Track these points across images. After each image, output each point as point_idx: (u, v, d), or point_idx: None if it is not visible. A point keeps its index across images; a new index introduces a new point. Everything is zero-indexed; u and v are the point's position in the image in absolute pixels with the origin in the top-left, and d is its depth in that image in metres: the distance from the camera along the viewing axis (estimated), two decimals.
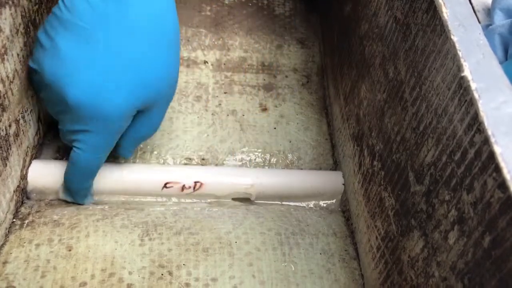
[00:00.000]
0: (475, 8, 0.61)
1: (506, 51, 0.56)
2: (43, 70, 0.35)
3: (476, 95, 0.24)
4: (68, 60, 0.34)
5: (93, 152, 0.38)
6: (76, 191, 0.40)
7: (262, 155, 0.47)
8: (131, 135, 0.39)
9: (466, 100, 0.25)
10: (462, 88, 0.25)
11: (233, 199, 0.44)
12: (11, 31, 0.35)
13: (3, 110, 0.35)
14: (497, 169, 0.22)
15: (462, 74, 0.25)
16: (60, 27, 0.34)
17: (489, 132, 0.22)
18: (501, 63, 0.51)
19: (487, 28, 0.57)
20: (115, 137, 0.38)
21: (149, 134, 0.40)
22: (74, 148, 0.38)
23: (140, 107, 0.37)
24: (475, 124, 0.24)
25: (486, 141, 0.23)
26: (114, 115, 0.36)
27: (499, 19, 0.58)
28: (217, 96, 0.50)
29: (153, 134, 0.41)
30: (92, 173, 0.40)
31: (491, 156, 0.22)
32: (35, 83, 0.38)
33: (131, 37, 0.34)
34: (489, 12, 0.61)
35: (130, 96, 0.35)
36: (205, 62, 0.53)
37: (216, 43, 0.55)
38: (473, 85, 0.24)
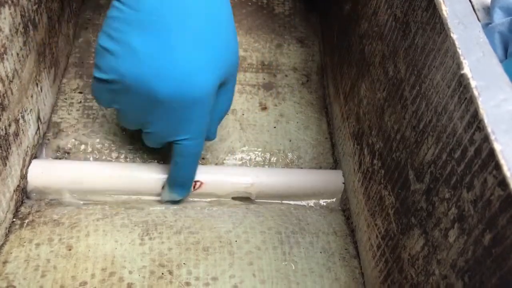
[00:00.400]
0: (475, 7, 0.61)
1: (506, 49, 0.56)
2: (123, 76, 0.34)
3: (476, 92, 0.24)
4: (148, 57, 0.33)
5: (199, 136, 0.37)
6: (190, 182, 0.41)
7: (262, 154, 0.47)
8: (215, 115, 0.39)
9: (466, 98, 0.25)
10: (462, 86, 0.25)
11: (233, 198, 0.44)
12: (10, 30, 0.35)
13: (3, 109, 0.35)
14: (497, 167, 0.22)
15: (462, 72, 0.25)
16: (128, 28, 0.33)
17: (489, 130, 0.22)
18: (501, 61, 0.51)
19: (487, 27, 0.57)
20: (209, 116, 0.37)
21: (228, 109, 0.41)
22: (179, 142, 0.37)
23: (222, 81, 0.36)
24: (475, 122, 0.24)
25: (486, 138, 0.23)
26: (207, 96, 0.35)
27: (499, 17, 0.58)
28: None
29: (229, 109, 0.41)
30: (200, 156, 0.40)
31: (491, 153, 0.22)
32: (107, 96, 0.36)
33: (198, 18, 0.34)
34: (488, 10, 0.61)
35: (215, 73, 0.35)
36: None
37: None
38: (473, 83, 0.24)
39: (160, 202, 0.42)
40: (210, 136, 0.41)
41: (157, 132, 0.37)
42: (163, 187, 0.42)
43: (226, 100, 0.39)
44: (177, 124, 0.36)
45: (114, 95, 0.36)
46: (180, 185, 0.41)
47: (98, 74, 0.35)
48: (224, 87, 0.38)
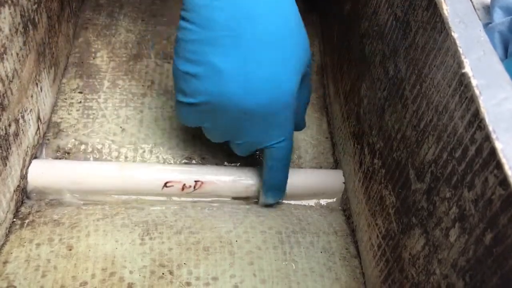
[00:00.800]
0: (475, 6, 0.61)
1: (506, 49, 0.56)
2: (211, 97, 0.34)
3: (477, 91, 0.24)
4: (233, 74, 0.33)
5: (289, 137, 0.38)
6: (285, 184, 0.41)
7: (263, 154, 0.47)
8: (301, 107, 0.40)
9: (466, 97, 0.25)
10: (463, 85, 0.25)
11: (234, 198, 0.44)
12: (10, 30, 0.35)
13: (3, 109, 0.35)
14: (498, 166, 0.22)
15: (463, 71, 0.25)
16: (205, 48, 0.33)
17: (490, 129, 0.22)
18: (501, 61, 0.51)
19: (487, 27, 0.57)
20: (295, 114, 0.38)
21: (309, 97, 0.42)
22: (272, 147, 0.38)
23: (301, 77, 0.37)
24: (476, 121, 0.24)
25: (487, 137, 0.23)
26: (292, 98, 0.36)
27: (499, 17, 0.58)
28: None
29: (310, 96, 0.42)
30: (290, 157, 0.40)
31: (492, 152, 0.22)
32: (195, 117, 0.37)
33: (270, 25, 0.34)
34: (488, 10, 0.61)
35: (297, 74, 0.36)
36: None
37: None
38: (474, 82, 0.24)
39: (160, 202, 0.42)
40: (301, 126, 0.43)
41: (249, 142, 0.38)
42: (259, 192, 0.42)
43: (307, 91, 0.40)
44: (269, 131, 0.37)
45: (202, 116, 0.37)
46: (277, 189, 0.41)
47: (184, 99, 0.35)
48: (304, 80, 0.38)
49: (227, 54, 0.33)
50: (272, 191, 0.41)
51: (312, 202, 0.45)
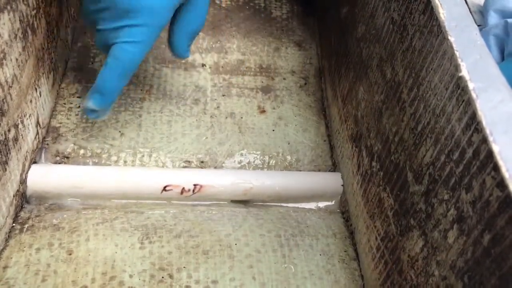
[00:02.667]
0: (471, 9, 0.62)
1: (502, 52, 0.56)
2: None
3: (473, 94, 0.24)
4: None
5: (139, 46, 0.38)
6: (110, 92, 0.39)
7: (261, 157, 0.47)
8: (182, 29, 0.40)
9: (463, 100, 0.25)
10: (460, 88, 0.25)
11: (233, 201, 0.44)
12: (9, 36, 0.35)
13: (2, 115, 0.35)
14: (496, 168, 0.22)
15: (460, 74, 0.25)
16: None
17: (487, 131, 0.23)
18: (497, 63, 0.51)
19: (481, 30, 0.57)
20: (159, 31, 0.38)
21: (198, 25, 0.41)
22: (118, 44, 0.37)
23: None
24: (473, 123, 0.24)
25: (484, 140, 0.23)
26: (158, 5, 0.36)
27: (493, 20, 0.58)
28: (215, 99, 0.50)
29: (202, 26, 0.41)
30: (131, 71, 0.39)
31: (490, 155, 0.22)
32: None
33: None
34: (482, 13, 0.61)
35: None
36: (203, 65, 0.53)
37: (213, 46, 0.55)
38: (470, 85, 0.24)
39: (160, 206, 0.42)
40: (181, 53, 0.42)
41: (104, 29, 0.38)
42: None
43: (194, 16, 0.40)
44: (123, 26, 0.37)
45: None
46: (99, 92, 0.39)
47: None
48: (190, 4, 0.39)
49: None
50: (95, 93, 0.39)
51: (310, 205, 0.45)
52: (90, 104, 0.39)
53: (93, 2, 0.37)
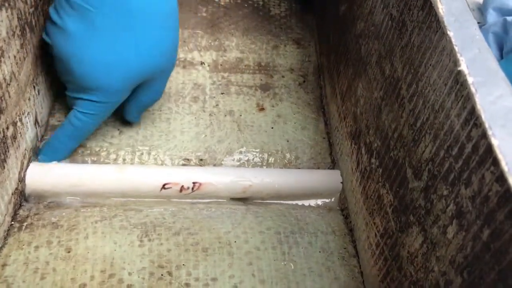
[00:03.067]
0: (470, 6, 0.62)
1: (500, 49, 0.56)
2: (54, 45, 0.39)
3: (472, 89, 0.24)
4: (74, 38, 0.38)
5: (92, 117, 0.41)
6: (60, 150, 0.43)
7: (260, 155, 0.47)
8: (135, 103, 0.43)
9: (462, 95, 0.25)
10: (459, 83, 0.25)
11: (232, 199, 0.44)
12: (7, 33, 0.35)
13: (0, 112, 0.35)
14: (495, 162, 0.22)
15: (459, 69, 0.25)
16: (68, 7, 0.37)
17: (486, 126, 0.23)
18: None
19: (481, 28, 0.57)
20: (113, 107, 0.42)
21: (151, 102, 0.44)
22: (75, 110, 0.41)
23: (139, 81, 0.41)
24: (472, 118, 0.24)
25: (484, 134, 0.23)
26: (113, 89, 0.40)
27: (492, 18, 0.58)
28: (214, 97, 0.50)
29: (156, 101, 0.45)
30: (82, 136, 0.43)
31: (489, 149, 0.22)
32: (49, 53, 0.41)
33: (129, 19, 0.37)
34: (481, 11, 0.61)
35: (128, 73, 0.39)
36: (202, 63, 0.53)
37: (212, 44, 0.55)
38: (469, 80, 0.24)
39: (159, 204, 0.42)
40: (130, 118, 0.45)
41: (69, 96, 0.42)
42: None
43: (148, 94, 0.43)
44: (82, 98, 0.41)
45: (51, 54, 0.40)
46: (51, 148, 0.42)
47: (43, 35, 0.40)
48: (146, 84, 0.42)
49: (78, 22, 0.37)
50: (47, 148, 0.43)
51: (310, 202, 0.45)
52: (41, 157, 0.43)
53: (63, 71, 0.40)
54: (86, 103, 0.40)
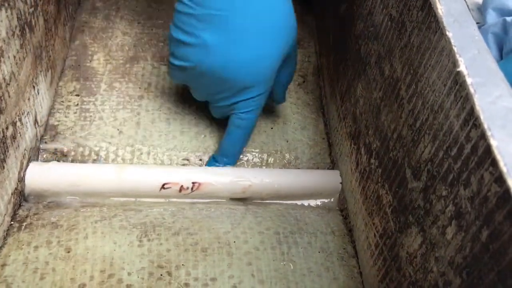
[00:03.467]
0: (469, 7, 0.62)
1: (500, 50, 0.56)
2: (196, 64, 0.39)
3: (472, 89, 0.24)
4: (217, 48, 0.38)
5: (254, 111, 0.43)
6: (234, 155, 0.45)
7: (260, 155, 0.47)
8: (279, 83, 0.45)
9: (462, 96, 0.25)
10: (458, 83, 0.25)
11: (231, 199, 0.44)
12: (7, 33, 0.35)
13: (0, 112, 0.35)
14: (494, 163, 0.22)
15: (458, 69, 0.25)
16: (196, 22, 0.37)
17: (486, 126, 0.23)
18: (496, 62, 0.51)
19: (480, 28, 0.57)
20: (268, 93, 0.43)
21: (292, 76, 0.46)
22: (236, 114, 0.43)
23: (282, 61, 0.42)
24: (471, 119, 0.24)
25: (483, 135, 0.23)
26: (264, 80, 0.41)
27: (492, 18, 0.58)
28: None
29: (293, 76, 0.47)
30: (250, 133, 0.45)
31: (488, 150, 0.22)
32: (181, 77, 0.42)
33: (257, 15, 0.38)
34: (481, 12, 0.61)
35: (276, 57, 0.40)
36: None
37: None
38: (469, 80, 0.24)
39: (158, 204, 0.42)
40: (279, 99, 0.47)
41: (222, 106, 0.43)
42: (213, 156, 0.46)
43: (289, 71, 0.45)
44: (242, 100, 0.42)
45: (188, 77, 0.42)
46: (226, 155, 0.45)
47: (173, 61, 0.41)
48: (286, 61, 0.43)
49: (215, 32, 0.37)
50: (225, 157, 0.45)
51: (309, 203, 0.45)
52: (222, 164, 0.45)
53: (211, 88, 0.42)
54: (245, 102, 0.42)
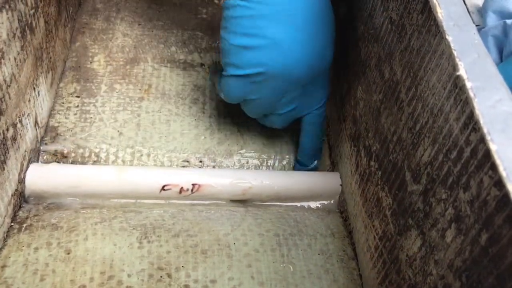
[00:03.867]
0: (469, 10, 0.62)
1: (500, 52, 0.56)
2: (266, 67, 0.37)
3: (471, 93, 0.24)
4: (289, 45, 0.37)
5: (324, 105, 0.43)
6: (320, 150, 0.47)
7: (260, 157, 0.47)
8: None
9: (461, 99, 0.25)
10: (458, 87, 0.25)
11: (231, 200, 0.44)
12: (8, 35, 0.35)
13: (0, 114, 0.35)
14: (493, 167, 0.22)
15: (458, 73, 0.25)
16: (264, 22, 0.36)
17: (485, 130, 0.23)
18: (496, 64, 0.51)
19: (480, 31, 0.57)
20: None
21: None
22: (311, 113, 0.43)
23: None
24: (471, 122, 0.24)
25: (482, 139, 0.23)
26: (329, 67, 0.41)
27: (492, 21, 0.58)
28: (214, 99, 0.50)
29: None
30: (324, 127, 0.46)
31: (487, 154, 0.22)
32: (243, 90, 0.40)
33: (313, 5, 0.38)
34: (481, 14, 0.61)
35: (333, 45, 0.40)
36: (202, 65, 0.53)
37: (212, 45, 0.55)
38: (468, 84, 0.24)
39: (158, 205, 0.42)
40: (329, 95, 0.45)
41: (291, 111, 0.42)
42: (296, 160, 0.47)
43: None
44: (310, 98, 0.41)
45: (251, 87, 0.39)
46: (313, 152, 0.46)
47: (236, 72, 0.38)
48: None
49: (283, 27, 0.36)
50: (309, 155, 0.46)
51: (309, 204, 0.45)
52: (309, 164, 0.46)
53: (269, 100, 0.40)
54: (316, 97, 0.42)
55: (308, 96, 0.41)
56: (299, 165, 0.46)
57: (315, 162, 0.46)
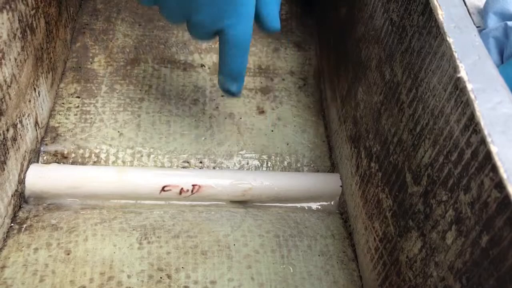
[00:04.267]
0: (470, 11, 0.62)
1: (501, 54, 0.56)
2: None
3: (472, 95, 0.24)
4: None
5: (244, 22, 0.37)
6: (242, 72, 0.41)
7: (260, 158, 0.47)
8: (270, 1, 0.39)
9: (462, 101, 0.25)
10: (458, 89, 0.25)
11: (231, 201, 0.44)
12: (8, 35, 0.35)
13: (1, 114, 0.35)
14: (494, 169, 0.22)
15: (458, 75, 0.25)
16: None
17: (486, 132, 0.23)
18: (497, 66, 0.51)
19: (481, 32, 0.57)
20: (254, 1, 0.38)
21: None
22: (224, 33, 0.37)
23: None
24: (472, 124, 0.24)
25: (483, 141, 0.23)
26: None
27: (493, 22, 0.58)
28: (214, 100, 0.50)
29: None
30: (248, 46, 0.39)
31: (488, 156, 0.22)
32: None
33: None
34: (482, 15, 0.61)
35: None
36: (202, 65, 0.53)
37: (213, 46, 0.55)
38: (469, 86, 0.24)
39: (158, 206, 0.42)
40: (274, 25, 0.40)
41: (203, 20, 0.37)
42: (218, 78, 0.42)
43: None
44: (222, 6, 0.36)
45: None
46: (231, 76, 0.41)
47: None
48: None
49: None
50: (228, 79, 0.41)
51: (309, 206, 0.45)
52: (228, 88, 0.41)
53: (192, 14, 0.37)
54: (232, 13, 0.36)
55: (220, 6, 0.36)
56: (221, 83, 0.42)
57: (236, 87, 0.42)
